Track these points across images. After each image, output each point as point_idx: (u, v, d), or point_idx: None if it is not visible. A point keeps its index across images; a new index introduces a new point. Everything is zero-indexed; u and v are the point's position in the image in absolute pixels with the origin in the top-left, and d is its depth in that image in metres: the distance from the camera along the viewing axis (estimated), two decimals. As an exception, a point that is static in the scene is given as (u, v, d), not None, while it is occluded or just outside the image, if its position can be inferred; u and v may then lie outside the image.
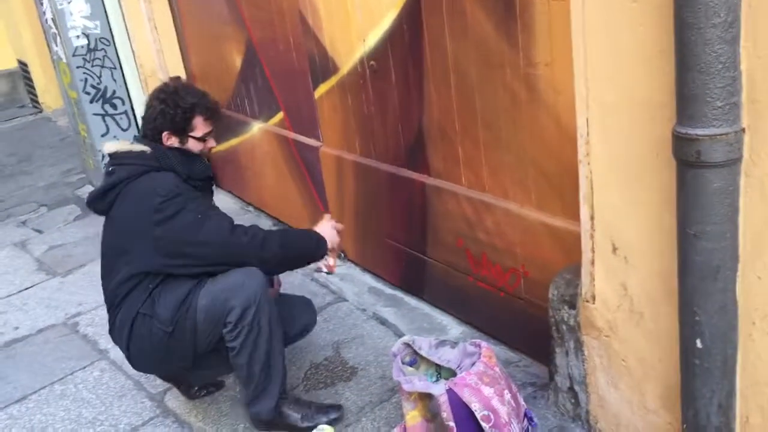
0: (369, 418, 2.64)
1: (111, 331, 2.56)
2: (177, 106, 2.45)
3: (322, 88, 3.52)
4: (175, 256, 2.38)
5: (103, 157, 2.66)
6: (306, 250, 2.50)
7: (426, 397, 2.12)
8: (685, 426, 1.90)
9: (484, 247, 2.85)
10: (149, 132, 2.49)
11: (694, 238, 1.68)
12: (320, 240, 2.52)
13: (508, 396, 2.10)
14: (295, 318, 2.68)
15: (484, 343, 2.24)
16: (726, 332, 1.74)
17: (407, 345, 2.26)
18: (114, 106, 5.06)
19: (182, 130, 2.49)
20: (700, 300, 1.72)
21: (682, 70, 1.57)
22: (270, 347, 2.42)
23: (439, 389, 2.06)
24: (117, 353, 3.23)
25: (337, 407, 2.61)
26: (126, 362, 3.12)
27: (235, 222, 2.45)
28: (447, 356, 2.25)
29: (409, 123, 3.02)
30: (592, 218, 2.06)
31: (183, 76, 5.01)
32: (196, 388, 2.83)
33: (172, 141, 2.49)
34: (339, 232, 2.61)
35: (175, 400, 2.89)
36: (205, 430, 2.71)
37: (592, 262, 2.12)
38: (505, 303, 2.80)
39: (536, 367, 2.74)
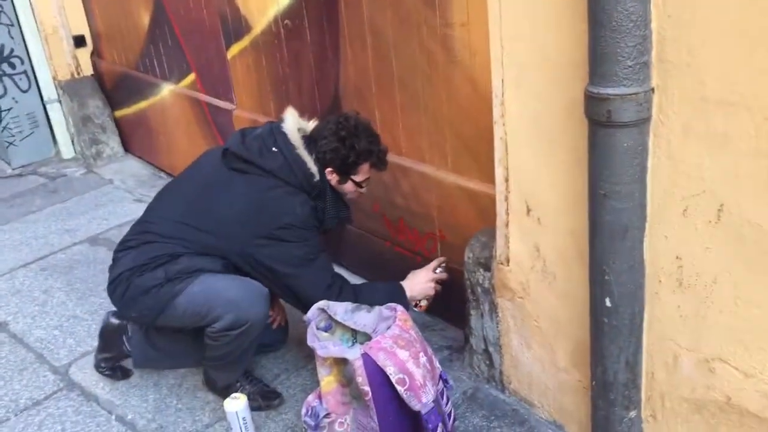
0: (285, 385, 2.60)
1: (122, 245, 2.45)
2: (353, 148, 2.31)
3: (234, 48, 3.39)
4: (256, 268, 2.31)
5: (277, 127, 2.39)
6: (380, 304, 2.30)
7: (341, 362, 2.09)
8: (593, 383, 1.94)
9: (401, 212, 2.83)
10: (318, 157, 2.33)
11: (604, 197, 1.69)
12: (402, 302, 2.32)
13: (423, 359, 2.09)
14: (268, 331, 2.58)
15: (399, 307, 2.22)
16: (634, 291, 1.77)
17: (322, 310, 2.21)
18: (12, 66, 4.75)
19: (347, 173, 2.36)
20: (609, 259, 1.75)
21: (594, 28, 1.57)
22: (242, 354, 2.41)
23: (353, 354, 2.02)
24: (17, 325, 3.09)
25: (277, 394, 2.56)
26: (28, 334, 3.02)
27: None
28: (362, 321, 2.22)
29: (325, 84, 2.95)
30: (506, 180, 2.06)
31: (87, 33, 4.76)
32: (103, 366, 2.70)
33: (332, 178, 2.36)
34: (439, 282, 2.47)
35: (80, 372, 2.77)
36: (112, 402, 2.60)
37: (507, 224, 2.12)
38: (422, 267, 2.78)
39: (452, 331, 2.76)
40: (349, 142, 2.30)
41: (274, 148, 2.34)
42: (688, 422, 1.84)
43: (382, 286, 2.44)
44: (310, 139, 2.36)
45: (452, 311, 2.65)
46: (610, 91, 1.58)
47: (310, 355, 2.61)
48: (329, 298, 2.26)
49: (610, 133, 1.63)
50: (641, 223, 1.72)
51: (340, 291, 2.32)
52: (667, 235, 1.70)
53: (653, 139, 1.64)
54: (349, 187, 2.40)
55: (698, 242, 1.65)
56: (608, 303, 1.79)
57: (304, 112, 3.06)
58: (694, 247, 1.66)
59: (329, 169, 2.34)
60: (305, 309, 2.24)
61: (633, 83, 1.57)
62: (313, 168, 2.33)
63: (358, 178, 2.39)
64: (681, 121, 1.58)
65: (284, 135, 2.36)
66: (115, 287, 2.38)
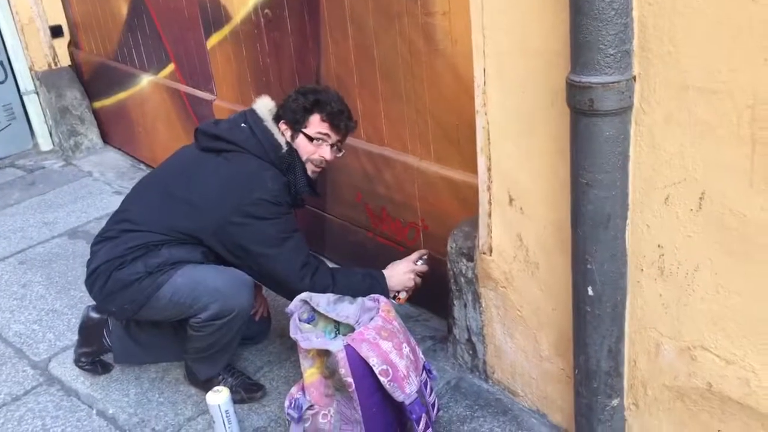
0: (267, 377, 2.59)
1: (100, 237, 2.42)
2: (305, 96, 2.33)
3: (214, 38, 3.35)
4: (231, 250, 2.29)
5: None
6: (359, 294, 2.28)
7: (324, 354, 2.08)
8: (576, 371, 1.94)
9: (384, 202, 2.82)
10: (279, 114, 2.37)
11: (586, 186, 1.69)
12: (380, 289, 2.35)
13: (406, 350, 2.08)
14: (250, 324, 2.56)
15: (382, 298, 2.21)
16: (616, 279, 1.78)
17: (305, 302, 2.20)
18: (-12, 57, 4.68)
19: (297, 123, 2.34)
20: (591, 248, 1.75)
21: (576, 17, 1.56)
22: (226, 345, 2.39)
23: (336, 345, 2.01)
24: (-6, 320, 3.05)
25: (260, 386, 2.53)
26: (6, 328, 2.98)
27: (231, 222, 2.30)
28: (345, 312, 2.21)
29: (306, 74, 2.92)
30: (489, 170, 2.05)
31: (64, 23, 4.69)
32: (83, 361, 2.67)
33: (286, 134, 2.35)
34: (419, 274, 2.45)
35: (60, 366, 2.74)
36: (93, 396, 2.58)
37: (489, 214, 2.12)
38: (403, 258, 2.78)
39: (436, 321, 2.76)
40: (306, 93, 2.35)
41: (243, 124, 2.37)
42: (670, 410, 1.85)
43: (360, 272, 2.43)
44: (278, 110, 2.39)
45: (435, 301, 2.64)
46: (592, 79, 1.57)
47: (292, 347, 2.60)
48: (304, 279, 2.26)
49: (592, 121, 1.62)
50: (623, 211, 1.72)
51: (316, 272, 2.30)
52: (648, 223, 1.70)
53: (635, 127, 1.64)
54: (302, 143, 2.35)
55: (680, 230, 1.65)
56: (591, 292, 1.79)
57: (285, 103, 3.05)
58: (676, 236, 1.66)
59: (283, 123, 2.36)
60: (282, 290, 2.25)
61: (615, 71, 1.57)
62: (280, 139, 2.33)
63: (309, 131, 2.34)
64: (663, 109, 1.58)
65: (253, 112, 2.40)
66: (94, 281, 2.35)
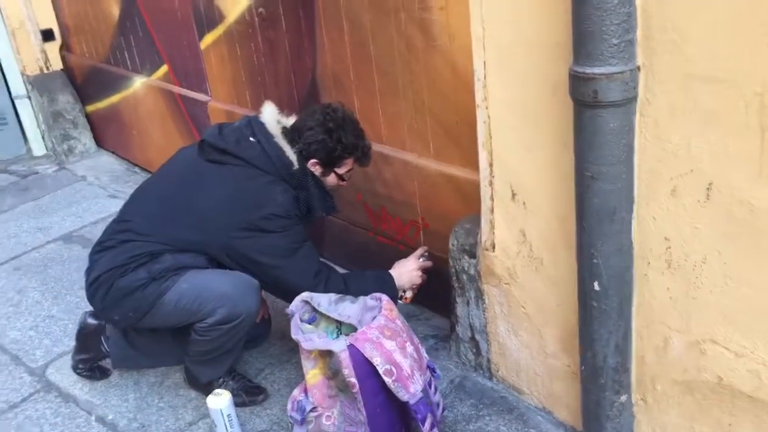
0: (269, 380, 2.56)
1: (99, 246, 2.36)
2: (340, 141, 2.25)
3: (208, 39, 3.32)
4: (239, 261, 2.25)
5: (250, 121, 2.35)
6: (368, 294, 2.26)
7: (326, 355, 2.04)
8: (583, 368, 1.92)
9: (383, 201, 2.79)
10: (303, 148, 2.26)
11: (591, 179, 1.66)
12: (391, 290, 2.33)
13: (410, 348, 2.05)
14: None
15: (384, 297, 2.18)
16: (622, 274, 1.75)
17: (306, 302, 2.17)
18: (-22, 62, 4.63)
19: (331, 165, 2.30)
20: (597, 242, 1.72)
21: (578, 6, 1.53)
22: (231, 348, 2.37)
23: (339, 345, 1.98)
24: (-10, 327, 3.01)
25: (261, 389, 2.50)
26: (2, 335, 2.94)
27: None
28: (347, 312, 2.17)
29: (301, 73, 2.89)
30: (490, 165, 2.03)
31: (55, 27, 4.64)
32: (81, 367, 2.63)
33: (316, 169, 2.30)
34: (425, 270, 2.44)
35: (57, 373, 2.70)
36: (92, 402, 2.54)
37: (492, 210, 2.09)
38: (405, 256, 2.74)
39: (437, 319, 2.73)
40: (336, 135, 2.26)
41: (251, 138, 2.29)
42: (679, 404, 1.82)
43: (370, 274, 2.40)
44: (292, 130, 2.32)
45: (437, 300, 2.61)
46: (595, 70, 1.55)
47: (293, 348, 2.56)
48: (317, 287, 2.22)
49: (596, 113, 1.60)
50: (629, 204, 1.69)
51: (328, 279, 2.28)
52: (655, 216, 1.68)
53: (640, 118, 1.61)
54: (331, 179, 2.36)
55: (687, 222, 1.63)
56: (597, 287, 1.76)
57: (282, 102, 3.02)
58: (683, 228, 1.64)
59: (313, 161, 2.29)
60: (293, 299, 2.20)
61: (619, 62, 1.54)
62: (292, 157, 2.28)
63: (341, 170, 2.35)
64: (668, 99, 1.56)
65: (262, 125, 2.32)
66: (95, 290, 2.31)
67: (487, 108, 1.96)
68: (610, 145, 1.62)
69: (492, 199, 2.07)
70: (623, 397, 1.90)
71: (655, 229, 1.69)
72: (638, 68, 1.57)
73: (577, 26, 1.56)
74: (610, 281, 1.75)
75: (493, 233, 2.11)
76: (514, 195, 2.00)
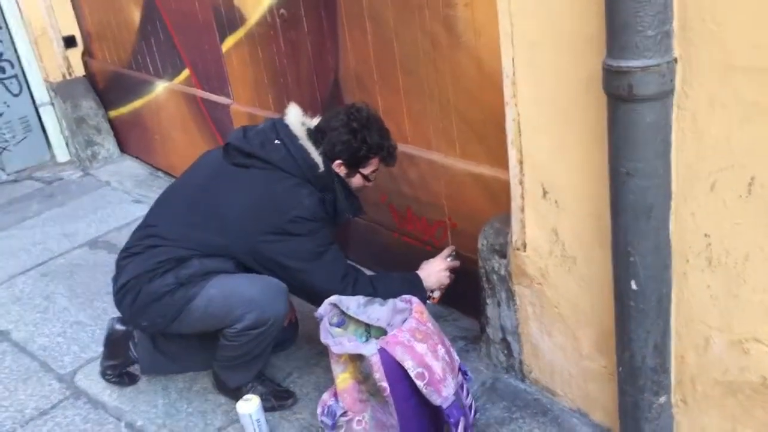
0: (297, 384, 2.54)
1: (126, 252, 2.36)
2: (364, 141, 2.24)
3: (229, 41, 3.31)
4: (266, 265, 2.24)
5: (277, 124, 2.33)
6: (397, 296, 2.24)
7: (357, 359, 2.02)
8: (620, 369, 1.87)
9: (409, 201, 2.75)
10: (327, 149, 2.25)
11: (626, 176, 1.62)
12: (420, 291, 2.32)
13: (441, 351, 2.02)
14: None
15: (414, 299, 2.15)
16: (660, 272, 1.70)
17: (334, 305, 2.14)
18: (2, 70, 4.66)
19: (356, 166, 2.29)
20: (634, 240, 1.68)
21: (612, -2, 1.49)
22: (260, 353, 2.35)
23: (370, 349, 1.96)
24: (20, 334, 3.02)
25: (290, 393, 2.48)
26: (31, 342, 2.94)
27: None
28: (376, 314, 2.15)
29: (324, 74, 2.87)
30: (520, 163, 1.99)
31: (77, 33, 4.66)
32: (109, 373, 2.63)
33: (341, 170, 2.29)
34: (452, 269, 2.42)
35: (86, 379, 2.70)
36: (121, 408, 2.53)
37: (522, 209, 2.05)
38: (431, 257, 2.71)
39: (466, 321, 2.69)
40: (361, 135, 2.24)
41: (276, 141, 2.28)
42: (721, 406, 1.77)
43: (398, 276, 2.38)
44: (316, 131, 2.30)
45: (465, 300, 2.58)
46: (631, 63, 1.50)
47: (321, 352, 2.54)
48: (345, 290, 2.20)
49: (631, 108, 1.55)
50: (666, 200, 1.64)
51: (356, 282, 2.26)
52: (694, 212, 1.63)
53: (677, 112, 1.57)
54: (356, 180, 2.34)
55: (728, 218, 1.57)
56: (634, 286, 1.71)
57: (304, 104, 2.99)
58: (724, 224, 1.59)
59: (338, 162, 2.27)
60: (320, 302, 2.17)
61: (655, 54, 1.50)
62: (317, 159, 2.25)
63: (366, 171, 2.33)
64: (706, 91, 1.51)
65: (287, 127, 2.30)
66: (123, 296, 2.30)
67: (516, 105, 1.92)
68: (646, 140, 1.57)
69: (522, 197, 2.03)
70: (662, 399, 1.85)
71: (694, 226, 1.64)
72: (675, 60, 1.52)
73: (610, 18, 1.52)
74: (648, 280, 1.70)
75: (524, 232, 2.07)
76: (545, 193, 1.96)
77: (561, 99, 1.80)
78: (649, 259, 1.68)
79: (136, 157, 4.74)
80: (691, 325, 1.74)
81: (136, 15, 3.99)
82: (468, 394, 2.13)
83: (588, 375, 2.09)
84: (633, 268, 1.70)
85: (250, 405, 2.21)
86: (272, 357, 2.62)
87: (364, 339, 2.16)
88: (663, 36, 1.49)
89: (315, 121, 2.37)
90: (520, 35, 1.83)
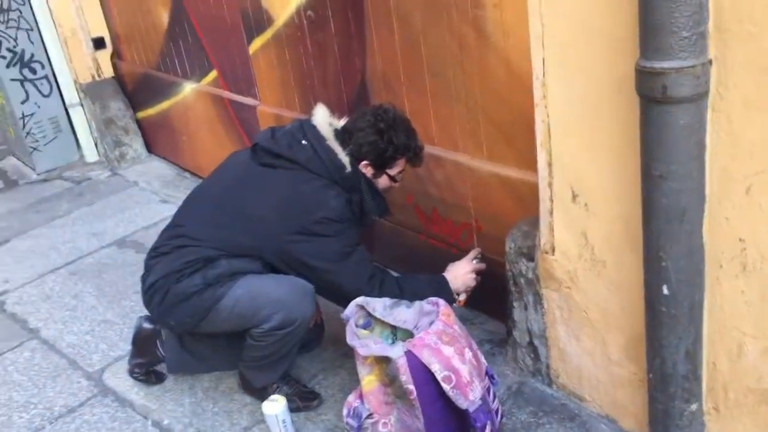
0: (322, 385, 2.53)
1: (154, 252, 2.37)
2: (391, 142, 2.25)
3: (256, 43, 3.32)
4: (293, 266, 2.25)
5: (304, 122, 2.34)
6: (423, 298, 2.23)
7: (383, 361, 2.01)
8: (650, 375, 1.84)
9: (435, 203, 2.74)
10: (354, 150, 2.26)
11: (659, 179, 1.59)
12: (447, 294, 2.31)
13: (468, 354, 2.01)
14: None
15: (441, 301, 2.14)
16: (693, 277, 1.67)
17: (360, 307, 2.14)
18: (33, 71, 4.72)
19: (383, 167, 2.30)
20: (666, 244, 1.65)
21: (646, -1, 1.47)
22: (287, 353, 2.36)
23: (396, 352, 1.95)
24: (49, 331, 3.05)
25: (316, 394, 2.48)
26: (60, 340, 2.98)
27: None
28: (403, 317, 2.14)
29: (351, 75, 2.86)
30: (549, 165, 1.97)
31: (106, 35, 4.71)
32: (137, 372, 2.65)
33: (368, 171, 2.30)
34: (478, 272, 2.41)
35: (114, 377, 2.72)
36: (148, 407, 2.55)
37: (551, 212, 2.03)
38: (457, 259, 2.69)
39: (492, 324, 2.67)
40: (387, 135, 2.24)
41: (303, 141, 2.28)
42: (754, 414, 1.73)
43: (424, 278, 2.36)
44: (343, 132, 2.30)
45: (491, 303, 2.56)
46: (665, 64, 1.48)
47: (346, 353, 2.54)
48: (371, 291, 2.20)
49: (665, 109, 1.53)
50: (700, 204, 1.62)
51: (382, 283, 2.26)
52: (728, 216, 1.60)
53: (711, 114, 1.54)
54: (383, 180, 2.34)
55: (763, 223, 1.54)
56: (666, 291, 1.69)
57: (331, 105, 2.99)
58: (759, 228, 1.55)
59: (365, 162, 2.27)
60: (347, 303, 2.17)
61: (690, 55, 1.47)
62: (344, 159, 2.25)
63: (392, 171, 2.33)
64: (742, 93, 1.48)
65: (314, 128, 2.30)
66: (152, 296, 2.32)
67: (546, 107, 1.90)
68: (679, 142, 1.55)
69: (551, 200, 2.01)
70: (693, 406, 1.82)
71: (728, 230, 1.61)
72: (710, 62, 1.49)
73: (644, 19, 1.49)
74: (680, 285, 1.68)
75: (553, 236, 2.05)
76: (575, 196, 1.93)
77: (592, 100, 1.78)
78: (681, 264, 1.66)
79: (164, 158, 4.77)
80: (724, 332, 1.71)
81: (164, 17, 4.02)
82: (494, 398, 2.11)
83: (617, 381, 2.06)
84: (665, 273, 1.68)
85: (276, 405, 2.22)
86: (298, 358, 2.62)
87: (390, 341, 2.15)
88: (698, 37, 1.47)
89: (342, 122, 2.36)
90: (551, 36, 1.81)
